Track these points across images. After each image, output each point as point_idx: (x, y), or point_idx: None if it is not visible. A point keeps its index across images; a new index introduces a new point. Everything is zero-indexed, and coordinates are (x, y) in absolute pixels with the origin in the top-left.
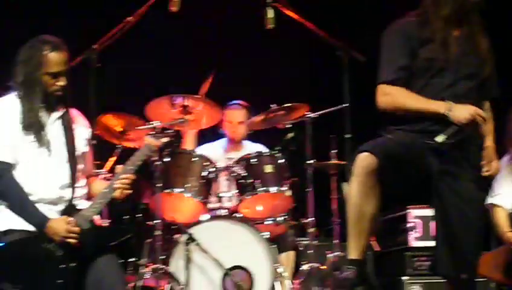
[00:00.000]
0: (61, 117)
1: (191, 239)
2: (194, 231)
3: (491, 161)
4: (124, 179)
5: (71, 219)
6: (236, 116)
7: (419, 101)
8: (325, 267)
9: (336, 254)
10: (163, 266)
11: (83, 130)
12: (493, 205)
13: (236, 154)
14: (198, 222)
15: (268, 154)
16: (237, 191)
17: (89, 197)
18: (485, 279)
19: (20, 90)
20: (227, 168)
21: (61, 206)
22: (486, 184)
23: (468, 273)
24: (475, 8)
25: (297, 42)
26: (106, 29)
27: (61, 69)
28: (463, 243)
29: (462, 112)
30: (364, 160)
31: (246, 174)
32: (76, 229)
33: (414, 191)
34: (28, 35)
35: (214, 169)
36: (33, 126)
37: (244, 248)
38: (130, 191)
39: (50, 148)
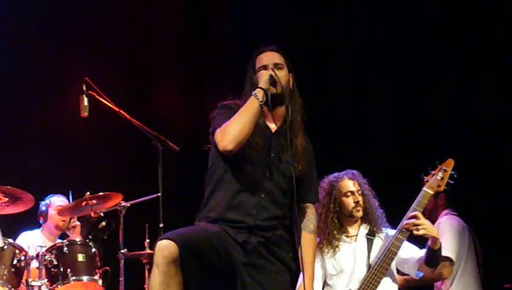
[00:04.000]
0: None
1: None
2: None
3: None
4: None
5: None
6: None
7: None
8: None
9: None
10: None
11: None
12: None
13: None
14: None
15: (80, 242)
16: (48, 279)
17: None
18: None
19: None
20: (38, 256)
21: None
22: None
23: None
24: None
25: (114, 131)
26: None
27: None
28: None
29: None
30: (164, 249)
31: (57, 262)
32: None
33: (218, 282)
34: None
35: (25, 257)
36: None
37: None
38: None
39: None
